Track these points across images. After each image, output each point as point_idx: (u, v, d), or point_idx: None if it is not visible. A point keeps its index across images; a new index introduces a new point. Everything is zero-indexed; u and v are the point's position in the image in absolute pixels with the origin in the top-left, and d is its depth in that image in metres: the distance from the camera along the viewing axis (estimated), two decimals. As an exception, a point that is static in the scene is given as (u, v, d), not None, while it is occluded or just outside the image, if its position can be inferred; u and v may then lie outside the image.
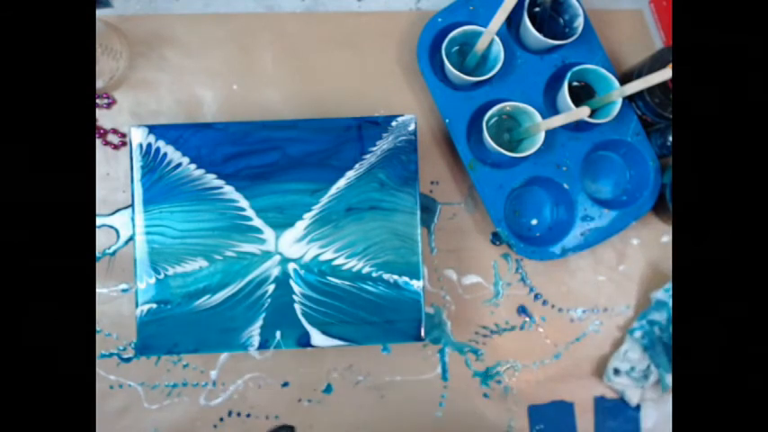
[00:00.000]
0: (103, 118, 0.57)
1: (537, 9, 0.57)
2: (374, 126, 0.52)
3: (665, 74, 0.49)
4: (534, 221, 0.60)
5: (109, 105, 0.57)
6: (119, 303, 0.57)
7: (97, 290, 0.57)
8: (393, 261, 0.51)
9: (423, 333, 0.51)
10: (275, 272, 0.51)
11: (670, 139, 0.57)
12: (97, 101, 0.57)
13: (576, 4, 0.56)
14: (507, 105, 0.54)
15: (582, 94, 0.58)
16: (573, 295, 0.60)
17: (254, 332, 0.51)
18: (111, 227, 0.57)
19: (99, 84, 0.55)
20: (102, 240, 0.57)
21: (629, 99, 0.57)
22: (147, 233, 0.50)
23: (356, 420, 0.58)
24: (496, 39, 0.53)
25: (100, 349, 0.57)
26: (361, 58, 0.59)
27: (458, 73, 0.53)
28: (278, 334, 0.51)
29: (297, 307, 0.51)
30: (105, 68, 0.54)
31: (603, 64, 0.57)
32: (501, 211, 0.56)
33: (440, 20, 0.56)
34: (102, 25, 0.54)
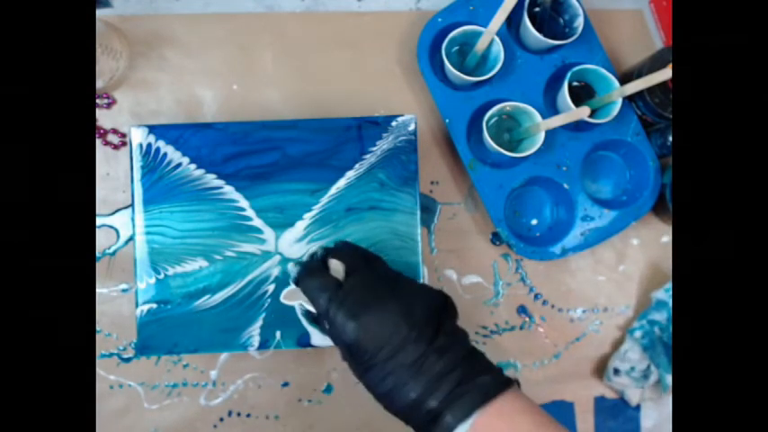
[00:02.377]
0: (103, 118, 0.57)
1: (537, 9, 0.57)
2: (374, 126, 0.52)
3: (665, 74, 0.49)
4: (534, 221, 0.60)
5: (109, 105, 0.57)
6: (119, 303, 0.57)
7: (97, 290, 0.57)
8: (393, 261, 0.51)
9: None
10: (275, 272, 0.51)
11: (670, 139, 0.57)
12: (97, 101, 0.57)
13: (576, 4, 0.56)
14: (507, 105, 0.54)
15: (582, 94, 0.58)
16: (573, 295, 0.60)
17: (254, 332, 0.51)
18: (111, 227, 0.57)
19: (99, 84, 0.55)
20: (102, 240, 0.57)
21: (629, 99, 0.57)
22: (147, 233, 0.50)
23: (356, 420, 0.58)
24: (496, 39, 0.53)
25: (100, 349, 0.57)
26: (361, 58, 0.59)
27: (458, 73, 0.53)
28: (278, 334, 0.51)
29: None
30: (105, 68, 0.54)
31: (603, 64, 0.57)
32: (501, 211, 0.56)
33: (440, 20, 0.56)
34: (102, 25, 0.54)
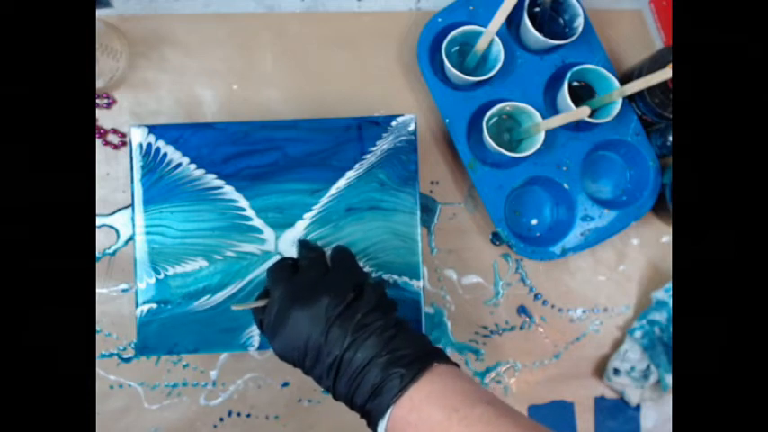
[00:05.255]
0: (103, 118, 0.57)
1: (537, 9, 0.57)
2: (374, 126, 0.52)
3: (665, 74, 0.49)
4: (534, 221, 0.60)
5: (109, 105, 0.57)
6: (119, 303, 0.57)
7: (97, 290, 0.57)
8: (393, 261, 0.51)
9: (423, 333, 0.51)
10: (275, 272, 0.51)
11: (670, 139, 0.57)
12: (97, 101, 0.57)
13: (576, 4, 0.56)
14: (507, 105, 0.54)
15: (582, 94, 0.58)
16: (573, 295, 0.60)
17: (254, 332, 0.51)
18: (111, 227, 0.57)
19: (99, 84, 0.55)
20: (102, 240, 0.57)
21: (629, 99, 0.57)
22: (147, 233, 0.50)
23: (356, 420, 0.58)
24: (496, 39, 0.53)
25: (100, 349, 0.57)
26: (361, 58, 0.59)
27: (458, 73, 0.53)
28: (278, 334, 0.50)
29: (297, 307, 0.51)
30: (105, 68, 0.54)
31: (603, 64, 0.57)
32: (501, 211, 0.56)
33: (440, 20, 0.56)
34: (102, 25, 0.54)
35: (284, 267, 0.44)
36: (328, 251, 0.48)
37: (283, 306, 0.41)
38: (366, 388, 0.38)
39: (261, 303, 0.44)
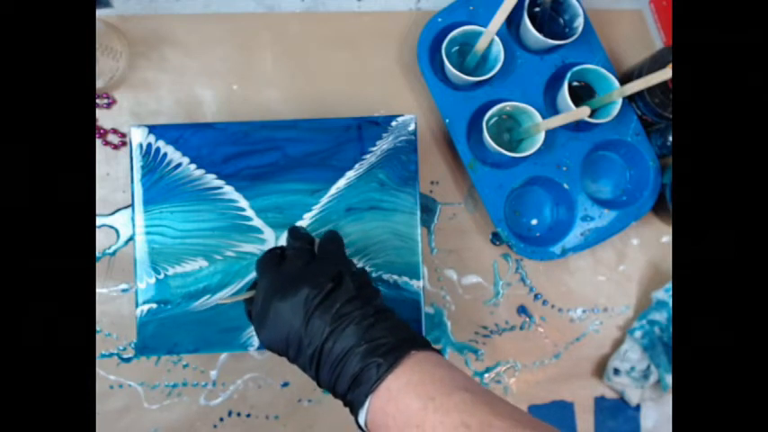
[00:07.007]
0: (103, 118, 0.57)
1: (537, 9, 0.57)
2: (374, 126, 0.52)
3: (665, 74, 0.49)
4: (534, 221, 0.60)
5: (109, 105, 0.57)
6: (119, 303, 0.57)
7: (97, 290, 0.57)
8: (393, 261, 0.51)
9: (423, 333, 0.51)
10: (275, 272, 0.51)
11: (670, 139, 0.57)
12: (97, 101, 0.57)
13: (576, 4, 0.56)
14: (507, 105, 0.54)
15: (582, 94, 0.58)
16: (573, 295, 0.60)
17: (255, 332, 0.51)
18: (111, 227, 0.57)
19: (99, 84, 0.55)
20: (102, 240, 0.57)
21: (629, 99, 0.57)
22: (147, 233, 0.50)
23: (356, 420, 0.58)
24: (496, 39, 0.53)
25: (100, 349, 0.57)
26: (361, 58, 0.59)
27: (458, 73, 0.53)
28: (278, 334, 0.50)
29: (297, 307, 0.51)
30: (105, 68, 0.54)
31: (603, 64, 0.57)
32: (501, 211, 0.56)
33: (440, 20, 0.56)
34: (102, 25, 0.54)
35: (271, 258, 0.45)
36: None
37: (267, 297, 0.41)
38: (346, 378, 0.38)
39: (245, 296, 0.44)
